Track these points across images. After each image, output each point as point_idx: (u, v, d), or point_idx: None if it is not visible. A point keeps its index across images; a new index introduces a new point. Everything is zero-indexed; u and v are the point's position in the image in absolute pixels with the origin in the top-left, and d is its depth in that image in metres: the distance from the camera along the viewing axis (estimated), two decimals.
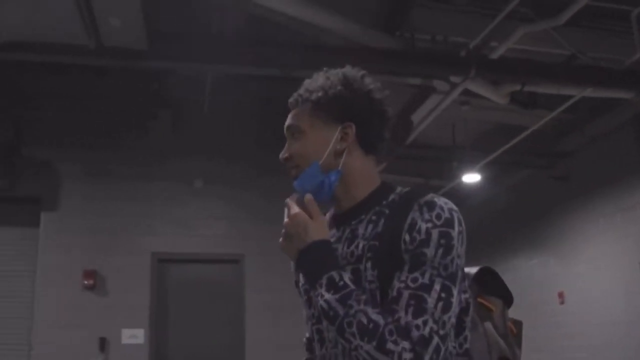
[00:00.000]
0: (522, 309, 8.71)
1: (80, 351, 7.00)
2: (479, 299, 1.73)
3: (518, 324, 1.82)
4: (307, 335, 1.78)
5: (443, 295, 1.46)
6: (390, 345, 1.41)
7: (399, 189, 1.67)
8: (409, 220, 1.53)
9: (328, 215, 1.75)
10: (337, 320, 1.48)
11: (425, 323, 1.43)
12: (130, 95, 6.93)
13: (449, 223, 1.51)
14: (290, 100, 1.73)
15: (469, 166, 8.69)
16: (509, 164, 9.04)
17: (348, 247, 1.62)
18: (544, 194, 9.21)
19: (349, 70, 1.71)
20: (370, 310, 1.45)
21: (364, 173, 1.69)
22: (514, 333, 1.79)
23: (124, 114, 7.18)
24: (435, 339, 1.43)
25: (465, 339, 1.61)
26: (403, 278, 1.49)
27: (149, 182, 7.58)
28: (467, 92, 6.77)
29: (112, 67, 6.19)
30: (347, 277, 1.51)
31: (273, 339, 7.39)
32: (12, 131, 6.95)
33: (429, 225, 1.51)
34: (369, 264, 1.56)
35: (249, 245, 7.68)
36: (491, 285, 1.77)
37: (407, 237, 1.52)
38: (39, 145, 7.20)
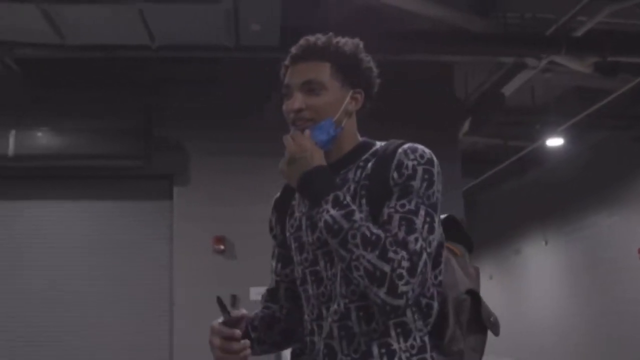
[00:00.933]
0: (602, 264, 9.53)
1: (215, 306, 7.90)
2: (446, 244, 1.88)
3: (476, 269, 1.97)
4: (276, 280, 2.01)
5: (428, 219, 1.68)
6: (391, 254, 1.61)
7: (378, 143, 1.88)
8: (395, 161, 1.75)
9: None
10: (342, 232, 1.65)
11: (416, 240, 1.64)
12: (247, 80, 7.73)
13: (431, 162, 1.75)
14: (298, 52, 1.87)
15: (551, 129, 9.17)
16: (589, 126, 9.40)
17: None
18: (623, 154, 9.65)
19: (357, 41, 1.90)
20: (371, 225, 1.66)
21: (353, 131, 1.90)
22: (472, 276, 1.93)
23: (242, 97, 7.96)
24: (424, 254, 1.65)
25: (440, 271, 1.81)
26: (392, 205, 1.71)
27: (265, 157, 8.30)
28: (550, 61, 7.24)
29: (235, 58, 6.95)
30: (349, 198, 1.72)
31: None
32: (145, 116, 7.77)
33: (414, 162, 1.74)
34: (363, 201, 1.76)
35: None
36: (455, 233, 1.95)
37: (395, 174, 1.74)
38: (169, 127, 8.06)
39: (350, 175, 1.82)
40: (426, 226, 1.67)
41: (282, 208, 2.00)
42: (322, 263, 1.79)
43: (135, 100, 7.80)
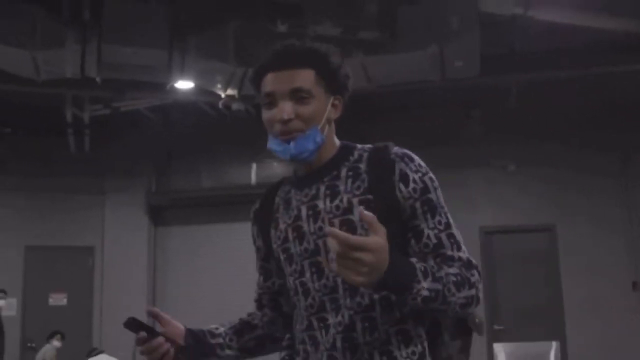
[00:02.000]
0: None
1: None
2: None
3: None
4: (259, 293, 1.99)
5: (454, 224, 1.76)
6: (472, 279, 1.68)
7: (359, 146, 1.84)
8: (397, 172, 1.73)
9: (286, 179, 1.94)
10: (440, 295, 1.61)
11: (464, 251, 1.74)
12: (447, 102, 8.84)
13: (428, 168, 1.78)
14: (282, 58, 1.78)
15: None
16: None
17: (332, 202, 1.76)
18: None
19: (333, 46, 1.85)
20: (446, 269, 1.67)
21: (333, 138, 1.83)
22: None
23: (445, 116, 9.11)
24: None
25: None
26: (432, 225, 1.73)
27: (469, 169, 9.36)
28: None
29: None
30: (416, 260, 1.65)
31: (589, 297, 8.79)
32: (359, 139, 6.74)
33: (419, 174, 1.75)
34: None
35: (561, 214, 9.14)
36: None
37: (402, 187, 1.73)
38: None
39: (341, 186, 1.77)
40: (458, 231, 1.76)
41: (263, 219, 1.93)
42: (308, 274, 1.77)
43: (353, 127, 6.73)
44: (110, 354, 8.21)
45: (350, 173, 1.79)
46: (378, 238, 1.53)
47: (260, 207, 1.97)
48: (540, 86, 8.47)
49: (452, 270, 1.67)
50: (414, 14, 6.40)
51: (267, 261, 1.95)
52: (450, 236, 1.74)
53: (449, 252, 1.72)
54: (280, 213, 1.88)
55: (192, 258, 10.30)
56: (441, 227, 1.74)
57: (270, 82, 1.78)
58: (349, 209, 1.74)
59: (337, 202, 1.76)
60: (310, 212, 1.80)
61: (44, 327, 9.66)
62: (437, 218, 1.74)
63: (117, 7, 6.25)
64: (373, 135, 9.81)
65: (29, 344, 9.94)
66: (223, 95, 7.31)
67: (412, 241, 1.75)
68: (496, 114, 9.05)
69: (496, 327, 9.08)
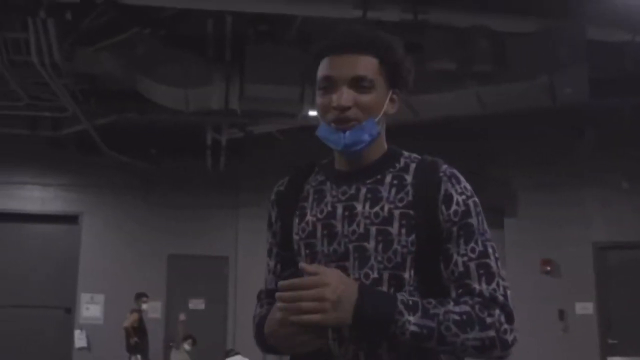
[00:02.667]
0: None
1: (542, 320, 9.35)
2: None
3: None
4: (269, 286, 1.81)
5: (495, 254, 1.62)
6: (489, 319, 1.52)
7: (406, 154, 1.74)
8: (442, 192, 1.63)
9: (317, 175, 1.78)
10: (434, 332, 1.50)
11: (498, 285, 1.57)
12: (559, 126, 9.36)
13: (473, 192, 1.67)
14: (346, 41, 1.68)
15: None
16: None
17: (371, 208, 1.65)
18: None
19: (398, 38, 1.74)
20: (451, 306, 1.53)
21: (383, 137, 1.73)
22: None
23: (556, 139, 9.56)
24: (508, 291, 1.58)
25: None
26: (463, 251, 1.60)
27: (584, 188, 9.71)
28: None
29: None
30: (406, 295, 1.55)
31: None
32: (478, 162, 9.32)
33: (464, 197, 1.64)
34: (403, 230, 1.61)
35: None
36: None
37: (444, 209, 1.62)
38: (499, 167, 9.87)
39: (384, 193, 1.67)
40: (498, 262, 1.63)
41: (287, 204, 1.79)
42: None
43: (469, 150, 9.28)
44: (244, 356, 9.12)
45: (395, 182, 1.69)
46: (332, 272, 1.50)
47: (286, 190, 1.82)
48: None
49: (458, 309, 1.54)
50: (524, 46, 6.90)
51: (284, 249, 1.78)
52: (482, 266, 1.60)
53: (473, 285, 1.58)
54: (308, 203, 1.75)
55: None
56: (473, 255, 1.60)
57: (329, 65, 1.67)
58: (389, 220, 1.63)
59: (377, 209, 1.65)
60: (347, 213, 1.68)
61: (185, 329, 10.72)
62: (471, 245, 1.62)
63: (256, 48, 7.11)
64: (488, 155, 10.34)
65: (170, 344, 11.02)
66: None
67: (442, 266, 1.64)
68: (609, 133, 9.30)
69: (610, 341, 9.35)
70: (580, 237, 9.68)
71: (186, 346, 10.20)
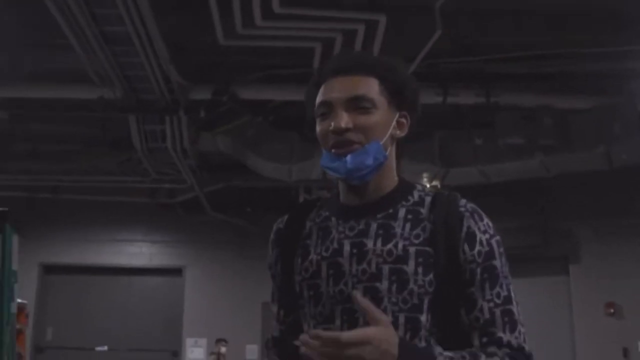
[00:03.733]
0: None
1: (608, 357, 10.27)
2: None
3: None
4: (275, 334, 1.71)
5: (517, 299, 1.56)
6: None
7: (419, 186, 1.65)
8: (465, 230, 1.53)
9: (322, 209, 1.68)
10: None
11: (519, 332, 1.53)
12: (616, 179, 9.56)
13: (495, 230, 1.58)
14: (342, 64, 1.61)
15: None
16: None
17: (383, 245, 1.54)
18: None
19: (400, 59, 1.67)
20: (483, 358, 1.47)
21: (393, 165, 1.63)
22: None
23: (617, 192, 10.14)
24: (526, 337, 1.54)
25: None
26: (488, 297, 1.52)
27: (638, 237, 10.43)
28: None
29: None
30: (443, 352, 1.47)
31: None
32: (542, 213, 10.74)
33: (487, 236, 1.55)
34: (420, 269, 1.50)
35: None
36: None
37: (467, 248, 1.53)
38: (561, 218, 10.78)
39: (398, 229, 1.56)
40: (518, 307, 1.56)
41: (287, 243, 1.68)
42: (338, 322, 1.52)
43: (534, 205, 10.62)
44: None
45: (410, 216, 1.58)
46: (378, 328, 1.37)
47: (286, 228, 1.71)
48: None
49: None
50: (583, 121, 7.94)
51: (286, 293, 1.67)
52: (506, 313, 1.53)
53: (499, 334, 1.51)
54: (312, 241, 1.64)
55: None
56: (499, 301, 1.53)
57: (326, 90, 1.59)
58: (404, 259, 1.52)
59: (390, 246, 1.54)
60: (355, 251, 1.56)
61: None
62: (497, 290, 1.54)
63: None
64: (553, 209, 11.30)
65: None
66: (428, 185, 9.15)
67: (463, 310, 1.54)
68: None
69: None
70: (637, 281, 10.49)
71: None
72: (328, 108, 1.57)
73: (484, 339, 1.51)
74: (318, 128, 1.60)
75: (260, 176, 9.12)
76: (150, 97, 7.07)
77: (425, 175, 8.85)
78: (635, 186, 9.76)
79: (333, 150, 1.55)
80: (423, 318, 1.51)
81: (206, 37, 6.47)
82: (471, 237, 1.55)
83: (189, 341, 12.49)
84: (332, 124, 1.54)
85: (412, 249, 1.53)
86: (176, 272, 12.66)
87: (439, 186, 9.10)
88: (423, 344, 1.50)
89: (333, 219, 1.63)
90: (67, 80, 7.24)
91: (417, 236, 1.55)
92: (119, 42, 5.97)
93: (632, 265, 10.46)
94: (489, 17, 7.16)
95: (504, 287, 1.55)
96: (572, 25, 7.08)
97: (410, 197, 1.61)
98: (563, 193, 10.45)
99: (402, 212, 1.58)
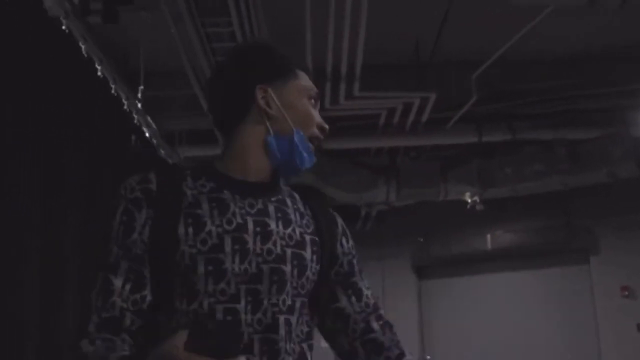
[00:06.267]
0: None
1: (623, 333, 12.01)
2: None
3: None
4: (120, 307, 1.41)
5: None
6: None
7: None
8: (340, 226, 1.80)
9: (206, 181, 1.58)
10: None
11: None
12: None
13: None
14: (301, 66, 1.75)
15: None
16: None
17: (284, 228, 1.59)
18: None
19: None
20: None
21: None
22: None
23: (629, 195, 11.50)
24: None
25: None
26: (367, 285, 1.85)
27: None
28: None
29: None
30: None
31: None
32: (564, 213, 12.68)
33: (349, 235, 1.86)
34: (314, 257, 1.64)
35: None
36: None
37: (344, 242, 1.78)
38: (583, 217, 12.73)
39: (291, 215, 1.65)
40: None
41: (166, 208, 1.49)
42: (242, 302, 1.46)
43: (557, 206, 12.34)
44: None
45: (296, 207, 1.67)
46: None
47: (160, 191, 1.51)
48: None
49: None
50: (591, 148, 10.09)
51: (143, 263, 1.45)
52: (374, 298, 1.83)
53: (382, 311, 1.81)
54: (204, 211, 1.52)
55: (446, 301, 14.55)
56: (370, 289, 1.82)
57: (309, 82, 1.72)
58: (303, 245, 1.61)
59: (289, 230, 1.60)
60: (259, 229, 1.55)
61: None
62: (366, 280, 1.83)
63: (404, 163, 10.58)
64: (574, 210, 13.40)
65: None
66: (469, 200, 11.39)
67: (353, 298, 1.72)
68: None
69: None
70: None
71: None
72: (316, 99, 1.69)
73: (380, 322, 1.75)
74: (308, 109, 1.66)
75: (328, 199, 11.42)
76: None
77: (467, 194, 11.10)
78: (634, 192, 11.66)
79: (310, 144, 1.64)
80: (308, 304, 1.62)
81: None
82: (345, 233, 1.77)
83: None
84: (322, 121, 1.64)
85: (307, 237, 1.62)
86: None
87: (477, 200, 11.33)
88: (307, 329, 1.58)
89: (226, 192, 1.55)
90: None
91: (307, 225, 1.65)
92: None
93: None
94: (513, 66, 9.22)
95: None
96: (578, 69, 9.24)
97: (281, 187, 1.67)
98: (584, 198, 12.27)
99: (288, 201, 1.64)
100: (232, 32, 6.06)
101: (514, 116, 9.88)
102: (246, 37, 6.21)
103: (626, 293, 12.51)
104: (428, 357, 14.33)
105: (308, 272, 1.60)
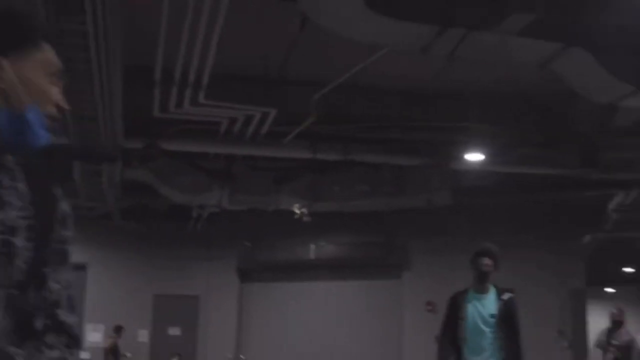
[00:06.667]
0: None
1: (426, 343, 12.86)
2: None
3: None
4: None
5: None
6: None
7: None
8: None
9: None
10: None
11: None
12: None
13: None
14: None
15: None
16: None
17: None
18: None
19: None
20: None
21: None
22: None
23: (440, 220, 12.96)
24: None
25: None
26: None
27: (453, 252, 12.04)
28: None
29: None
30: None
31: None
32: (383, 232, 13.75)
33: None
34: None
35: None
36: None
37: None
38: (399, 235, 14.04)
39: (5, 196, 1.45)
40: None
41: None
42: None
43: (377, 227, 13.13)
44: None
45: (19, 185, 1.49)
46: None
47: None
48: None
49: None
50: (412, 174, 10.96)
51: None
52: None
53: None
54: None
55: (266, 304, 15.03)
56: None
57: (56, 58, 1.58)
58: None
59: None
60: None
61: (165, 350, 14.40)
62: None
63: (242, 169, 10.91)
64: (391, 229, 14.39)
65: None
66: (298, 211, 11.92)
67: None
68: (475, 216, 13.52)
69: None
70: (450, 286, 13.75)
71: None
72: (57, 75, 1.56)
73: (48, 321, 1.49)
74: (43, 85, 1.52)
75: (163, 197, 11.54)
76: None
77: (296, 205, 11.62)
78: (446, 218, 12.91)
79: (47, 121, 1.54)
80: None
81: (147, 109, 8.83)
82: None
83: (88, 326, 14.68)
84: (61, 99, 1.56)
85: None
86: (80, 267, 14.75)
87: (306, 212, 11.89)
88: None
89: None
90: None
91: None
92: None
93: (447, 271, 13.43)
94: (352, 93, 9.85)
95: None
96: (411, 103, 10.02)
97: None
98: (402, 218, 13.53)
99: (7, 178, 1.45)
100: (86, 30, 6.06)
101: (347, 138, 10.49)
102: (99, 35, 6.24)
103: (430, 308, 13.62)
104: (242, 356, 14.79)
105: None
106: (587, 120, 10.09)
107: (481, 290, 5.09)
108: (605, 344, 7.73)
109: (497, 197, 12.48)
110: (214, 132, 9.75)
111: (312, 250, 14.38)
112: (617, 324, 7.94)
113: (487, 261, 4.95)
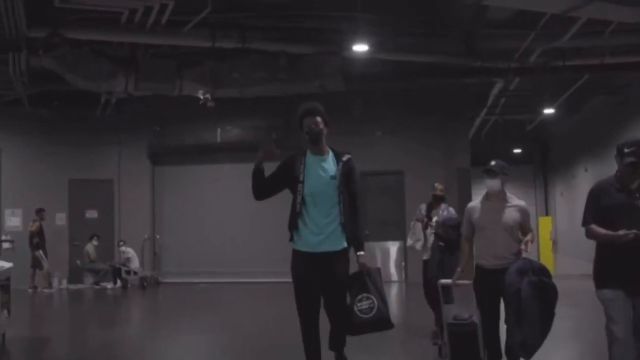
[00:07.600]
0: None
1: None
2: None
3: None
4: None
5: None
6: None
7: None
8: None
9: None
10: None
11: None
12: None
13: None
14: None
15: None
16: None
17: None
18: None
19: None
20: None
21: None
22: None
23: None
24: None
25: None
26: None
27: None
28: None
29: None
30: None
31: None
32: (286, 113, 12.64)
33: None
34: None
35: None
36: None
37: None
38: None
39: None
40: None
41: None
42: None
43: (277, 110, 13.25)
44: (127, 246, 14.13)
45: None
46: None
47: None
48: None
49: None
50: (307, 63, 11.79)
51: None
52: None
53: None
54: None
55: (177, 186, 15.96)
56: None
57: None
58: None
59: None
60: None
61: (83, 232, 15.27)
62: None
63: (145, 57, 11.51)
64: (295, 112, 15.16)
65: (74, 243, 15.49)
66: (202, 97, 12.64)
67: None
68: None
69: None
70: None
71: (94, 242, 14.88)
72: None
73: None
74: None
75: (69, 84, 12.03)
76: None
77: (200, 91, 12.35)
78: (340, 103, 13.65)
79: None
80: None
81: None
82: None
83: (7, 212, 15.34)
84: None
85: None
86: None
87: (209, 97, 12.60)
88: None
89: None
90: None
91: None
92: None
93: None
94: None
95: None
96: None
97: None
98: (298, 103, 14.29)
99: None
100: None
101: (245, 27, 11.16)
102: None
103: None
104: (157, 236, 15.79)
105: None
106: (466, 12, 11.00)
107: (319, 151, 4.72)
108: (423, 217, 7.59)
109: (386, 83, 13.47)
110: (115, 21, 10.27)
111: (219, 134, 15.22)
112: (437, 198, 7.76)
113: (317, 119, 4.66)
